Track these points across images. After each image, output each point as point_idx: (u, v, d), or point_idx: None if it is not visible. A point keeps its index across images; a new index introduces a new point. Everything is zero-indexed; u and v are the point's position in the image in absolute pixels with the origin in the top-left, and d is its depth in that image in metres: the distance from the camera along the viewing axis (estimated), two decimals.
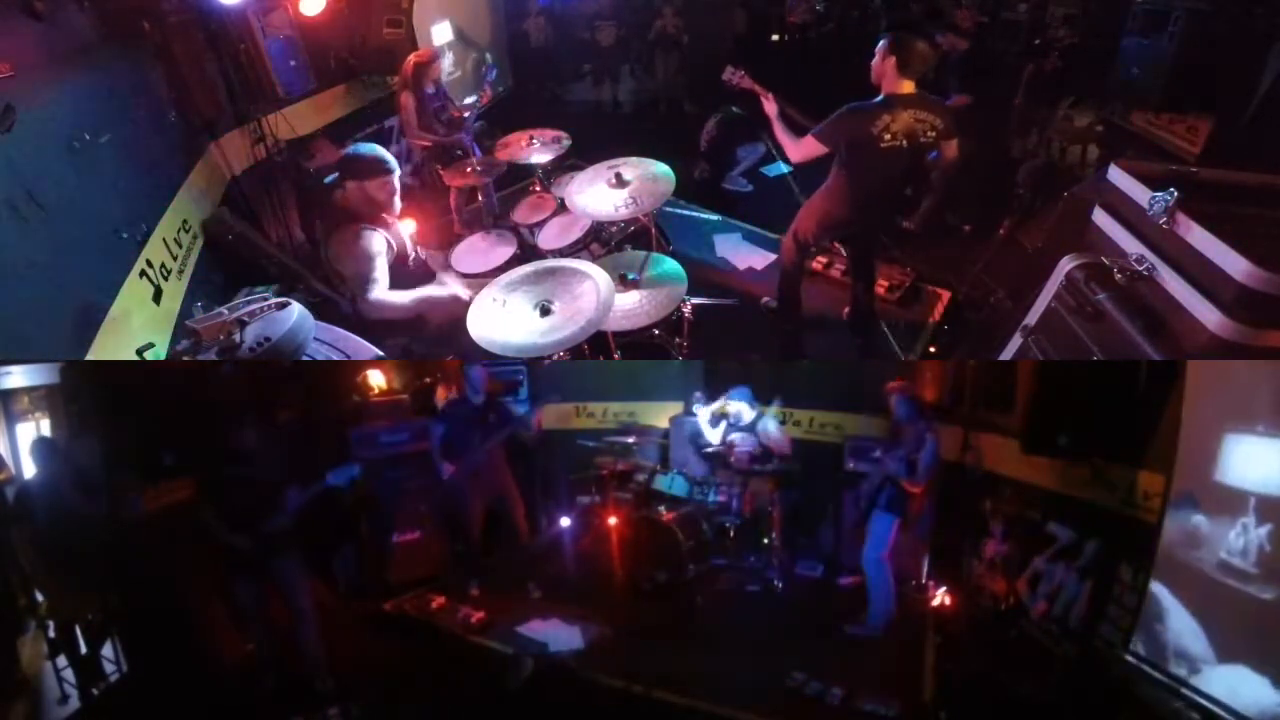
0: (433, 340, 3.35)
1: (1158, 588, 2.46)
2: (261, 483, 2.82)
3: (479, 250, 4.20)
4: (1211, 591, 2.28)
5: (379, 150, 2.96)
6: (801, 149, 3.54)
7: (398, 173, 2.97)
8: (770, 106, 3.71)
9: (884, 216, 4.01)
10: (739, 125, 6.41)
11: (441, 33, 6.66)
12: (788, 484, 3.94)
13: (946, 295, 4.93)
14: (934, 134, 3.43)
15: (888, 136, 3.36)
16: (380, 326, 3.00)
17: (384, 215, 3.00)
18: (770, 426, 3.94)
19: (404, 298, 2.98)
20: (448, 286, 3.19)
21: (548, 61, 8.80)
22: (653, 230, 4.21)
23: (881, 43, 3.37)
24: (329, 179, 4.36)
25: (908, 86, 3.38)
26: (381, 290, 2.90)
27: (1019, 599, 3.13)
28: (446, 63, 6.71)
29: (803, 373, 4.42)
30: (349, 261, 2.88)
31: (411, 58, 5.13)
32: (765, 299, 4.85)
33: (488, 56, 7.36)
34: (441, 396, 4.23)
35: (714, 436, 4.06)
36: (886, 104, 3.36)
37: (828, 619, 3.41)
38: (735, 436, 3.90)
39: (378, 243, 2.91)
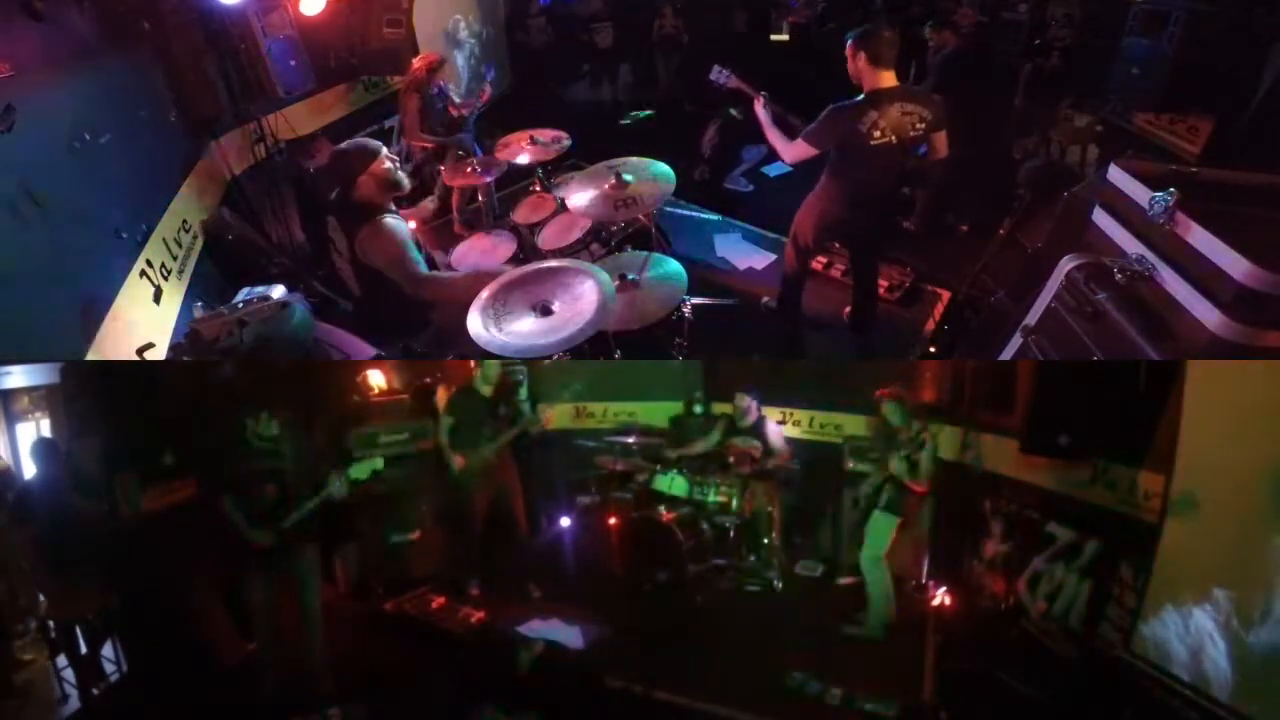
0: (433, 340, 3.36)
1: None
2: (287, 478, 2.78)
3: (480, 250, 4.20)
4: None
5: (358, 139, 3.14)
6: (794, 150, 3.53)
7: (385, 149, 3.11)
8: (760, 106, 3.71)
9: (882, 215, 3.98)
10: (739, 128, 6.41)
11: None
12: (787, 484, 3.93)
13: (946, 295, 4.94)
14: (923, 126, 3.40)
15: (877, 134, 3.33)
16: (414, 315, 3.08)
17: (398, 196, 3.14)
18: (773, 431, 3.93)
19: (456, 274, 3.08)
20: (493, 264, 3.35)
21: (548, 61, 8.80)
22: (653, 230, 4.21)
23: (849, 43, 3.37)
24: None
25: (888, 79, 3.35)
26: (424, 268, 3.01)
27: (1019, 599, 3.12)
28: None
29: (803, 373, 4.42)
30: (385, 249, 2.95)
31: (421, 61, 5.14)
32: (765, 299, 4.85)
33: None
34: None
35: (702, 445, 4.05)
36: (871, 100, 3.34)
37: (828, 619, 3.41)
38: (737, 440, 3.90)
39: (402, 227, 3.03)
